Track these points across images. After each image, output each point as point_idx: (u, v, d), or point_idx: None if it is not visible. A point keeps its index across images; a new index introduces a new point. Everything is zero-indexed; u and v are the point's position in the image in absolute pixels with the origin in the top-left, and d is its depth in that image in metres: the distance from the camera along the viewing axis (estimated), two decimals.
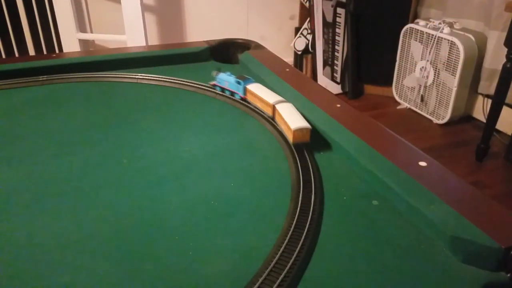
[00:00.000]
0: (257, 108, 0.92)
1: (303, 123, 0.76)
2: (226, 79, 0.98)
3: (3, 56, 2.37)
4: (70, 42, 2.22)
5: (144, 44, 2.12)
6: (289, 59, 2.91)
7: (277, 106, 0.85)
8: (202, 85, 1.03)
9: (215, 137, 0.82)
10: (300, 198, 0.61)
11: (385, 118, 2.57)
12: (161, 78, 1.08)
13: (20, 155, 0.75)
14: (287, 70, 1.08)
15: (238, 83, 0.95)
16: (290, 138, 0.77)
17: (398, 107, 2.70)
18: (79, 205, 0.62)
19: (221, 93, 0.99)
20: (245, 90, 0.94)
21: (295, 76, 1.05)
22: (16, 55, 2.39)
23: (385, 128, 0.78)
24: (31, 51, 2.40)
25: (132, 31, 2.11)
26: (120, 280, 0.48)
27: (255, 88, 0.93)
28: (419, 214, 0.57)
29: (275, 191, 0.65)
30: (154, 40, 2.51)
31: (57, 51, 2.40)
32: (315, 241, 0.54)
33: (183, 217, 0.59)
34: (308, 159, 0.71)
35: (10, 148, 0.77)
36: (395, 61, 2.67)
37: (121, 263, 0.51)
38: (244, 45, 1.25)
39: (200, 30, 2.60)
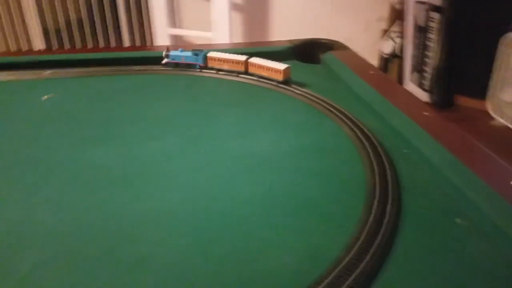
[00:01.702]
0: (223, 70, 1.07)
1: (285, 64, 1.00)
2: (181, 54, 1.09)
3: (102, 45, 2.56)
4: (162, 36, 2.35)
5: (228, 41, 2.17)
6: (374, 62, 2.80)
7: (250, 60, 1.05)
8: (281, 84, 1.02)
9: (289, 136, 0.81)
10: (374, 206, 0.58)
11: (476, 132, 2.37)
12: (242, 75, 1.09)
13: (113, 136, 0.81)
14: (372, 72, 1.04)
15: (196, 54, 1.07)
16: (279, 77, 1.00)
17: (492, 123, 2.49)
18: (160, 186, 0.65)
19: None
20: (205, 59, 1.08)
21: (380, 79, 1.00)
22: (113, 45, 2.58)
23: (476, 142, 0.72)
24: (126, 43, 2.57)
25: (218, 29, 2.17)
26: (191, 258, 0.51)
27: (217, 54, 1.08)
28: (508, 238, 0.51)
29: (347, 196, 0.62)
30: (237, 38, 2.56)
31: (148, 44, 2.55)
32: (386, 253, 0.51)
33: (252, 209, 0.59)
34: (387, 166, 0.67)
35: (105, 129, 0.84)
36: (492, 72, 2.45)
37: (194, 243, 0.53)
38: (328, 45, 1.23)
39: (284, 29, 2.60)
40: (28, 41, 2.53)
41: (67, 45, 2.55)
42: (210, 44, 1.95)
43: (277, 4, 2.56)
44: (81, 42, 2.57)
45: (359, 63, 1.10)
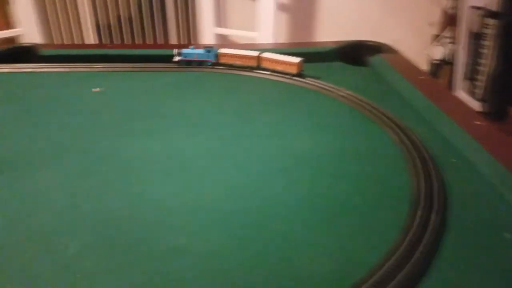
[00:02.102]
0: (235, 66, 1.12)
1: (298, 58, 1.04)
2: (194, 52, 1.13)
3: (149, 41, 2.63)
4: (207, 35, 2.38)
5: (271, 41, 2.17)
6: (423, 68, 2.71)
7: (263, 55, 1.08)
8: (324, 85, 1.01)
9: (331, 138, 0.79)
10: (418, 216, 0.56)
11: None
12: (285, 75, 1.08)
13: (160, 129, 0.83)
14: (421, 77, 1.00)
15: (208, 51, 1.12)
16: (293, 71, 1.04)
17: None
18: (199, 180, 0.66)
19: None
20: (216, 56, 1.12)
21: (429, 85, 0.96)
22: (160, 42, 2.65)
23: None
24: (172, 40, 2.63)
25: (263, 29, 2.17)
26: (226, 253, 0.51)
27: (229, 50, 1.12)
28: None
29: (389, 203, 0.60)
30: (282, 38, 2.56)
31: (193, 41, 2.59)
32: (427, 264, 0.49)
33: (288, 209, 0.59)
34: (433, 175, 0.64)
35: (149, 122, 0.86)
36: None
37: (230, 239, 0.53)
38: (375, 48, 1.20)
39: (330, 31, 2.57)
40: (81, 35, 2.64)
41: (116, 41, 2.63)
42: (253, 44, 1.96)
43: (324, 5, 2.53)
44: (130, 38, 2.65)
45: (408, 67, 1.06)
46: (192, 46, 1.14)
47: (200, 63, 1.13)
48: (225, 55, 1.12)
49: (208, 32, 2.37)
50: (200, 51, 1.13)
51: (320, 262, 0.50)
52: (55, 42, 2.62)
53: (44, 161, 0.71)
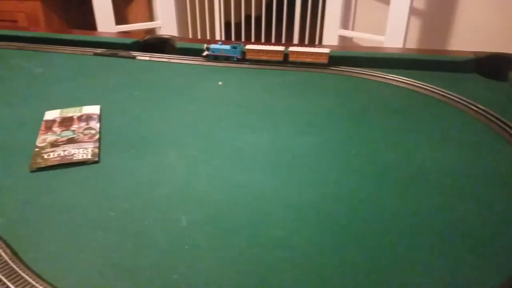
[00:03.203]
0: (261, 61, 1.16)
1: (327, 48, 1.11)
2: (221, 47, 1.19)
3: (273, 41, 2.71)
4: (331, 36, 2.36)
5: (400, 46, 2.06)
6: None
7: (291, 49, 1.12)
8: (453, 95, 0.92)
9: (455, 154, 0.72)
10: None
11: None
12: (411, 81, 1.02)
13: (269, 125, 0.85)
14: None
15: (234, 47, 1.17)
16: (325, 60, 1.10)
17: None
18: (306, 179, 0.67)
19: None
20: (243, 52, 1.18)
21: None
22: (283, 41, 2.70)
23: None
24: (295, 40, 2.67)
25: (392, 33, 2.08)
26: (326, 255, 0.51)
27: (255, 46, 1.16)
28: None
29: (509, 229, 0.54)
30: (412, 44, 2.42)
31: (317, 43, 2.59)
32: None
33: (397, 223, 0.56)
34: None
35: (263, 118, 0.89)
36: None
37: (332, 241, 0.53)
38: None
39: (468, 39, 2.35)
40: (212, 31, 2.82)
41: (243, 39, 2.76)
42: (380, 48, 1.88)
43: (465, 12, 2.33)
44: (255, 37, 2.75)
45: None
46: (220, 42, 1.20)
47: (227, 58, 1.19)
48: (251, 50, 1.16)
49: (332, 33, 2.35)
50: (227, 47, 1.19)
51: (426, 283, 0.47)
52: (190, 36, 2.84)
53: (168, 142, 0.78)
